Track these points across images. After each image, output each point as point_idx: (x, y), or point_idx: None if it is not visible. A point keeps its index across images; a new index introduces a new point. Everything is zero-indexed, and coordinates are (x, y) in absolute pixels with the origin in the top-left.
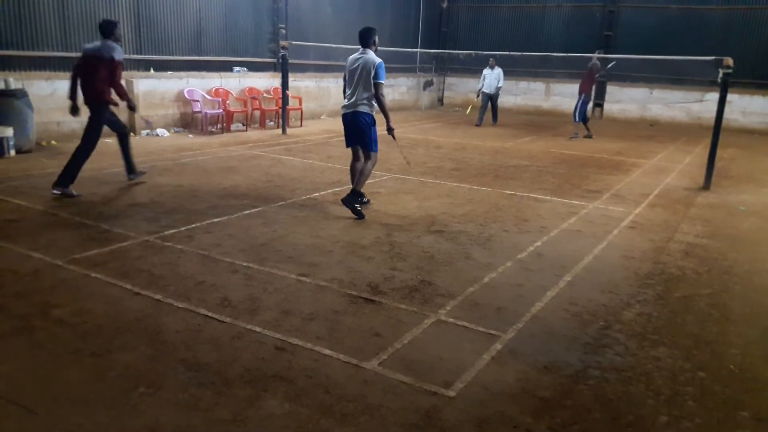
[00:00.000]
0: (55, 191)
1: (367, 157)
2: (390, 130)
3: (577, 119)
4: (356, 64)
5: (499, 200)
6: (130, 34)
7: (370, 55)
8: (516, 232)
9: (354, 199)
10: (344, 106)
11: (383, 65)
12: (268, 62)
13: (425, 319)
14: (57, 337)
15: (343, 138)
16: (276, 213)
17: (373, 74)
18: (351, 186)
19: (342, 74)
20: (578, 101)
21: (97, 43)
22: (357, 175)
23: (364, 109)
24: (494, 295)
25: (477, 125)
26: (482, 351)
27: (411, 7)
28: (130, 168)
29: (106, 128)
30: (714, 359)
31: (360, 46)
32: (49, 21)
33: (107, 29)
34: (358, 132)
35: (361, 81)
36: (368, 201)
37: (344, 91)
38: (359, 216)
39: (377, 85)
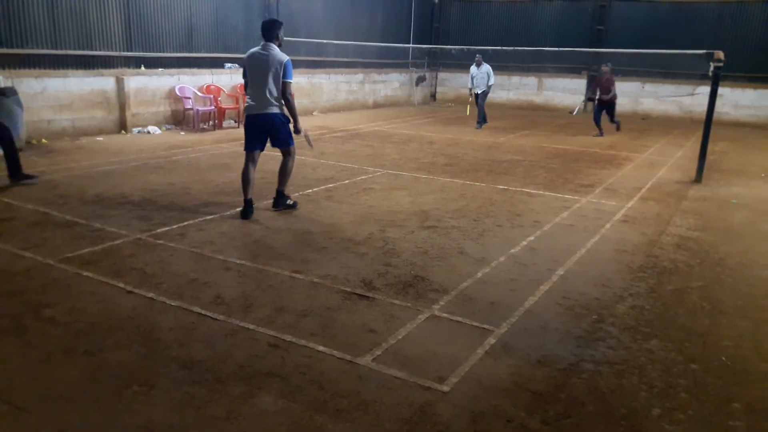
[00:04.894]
0: None
1: (287, 154)
2: (298, 131)
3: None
4: (259, 61)
5: (492, 195)
6: (119, 31)
7: (275, 51)
8: (509, 227)
9: (282, 201)
10: (249, 107)
11: (291, 63)
12: None
13: (419, 314)
14: (49, 336)
15: (336, 134)
16: (268, 210)
17: (282, 73)
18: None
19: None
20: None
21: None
22: (278, 177)
23: (275, 110)
24: (487, 290)
25: (478, 128)
26: (476, 346)
27: (403, 2)
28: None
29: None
30: (706, 351)
31: (263, 39)
32: (39, 18)
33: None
34: (272, 132)
35: (269, 80)
36: (295, 204)
37: (245, 89)
38: (294, 207)
39: (285, 85)
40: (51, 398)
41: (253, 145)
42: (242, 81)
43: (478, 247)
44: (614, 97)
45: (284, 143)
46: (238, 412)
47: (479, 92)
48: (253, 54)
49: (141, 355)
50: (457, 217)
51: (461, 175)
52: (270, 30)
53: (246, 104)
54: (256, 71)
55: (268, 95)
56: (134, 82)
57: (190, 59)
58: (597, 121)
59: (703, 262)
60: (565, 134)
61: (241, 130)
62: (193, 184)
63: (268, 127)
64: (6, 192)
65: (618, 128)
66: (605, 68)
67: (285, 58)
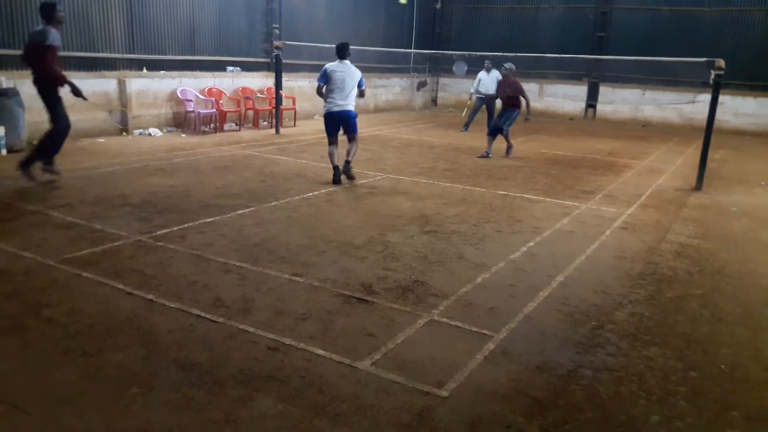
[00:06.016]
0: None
1: (353, 139)
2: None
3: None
4: (344, 73)
5: (493, 201)
6: (122, 34)
7: (353, 67)
8: (509, 233)
9: (349, 168)
10: (336, 105)
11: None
12: (262, 62)
13: (418, 319)
14: (48, 336)
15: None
16: (269, 213)
17: (358, 82)
18: (351, 181)
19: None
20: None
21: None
22: (345, 153)
23: (352, 107)
24: (487, 295)
25: (464, 131)
26: (475, 351)
27: (405, 7)
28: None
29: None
30: (705, 359)
31: (338, 57)
32: (40, 20)
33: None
34: (349, 122)
35: (351, 86)
36: (354, 177)
37: (319, 93)
38: (353, 178)
39: (362, 91)
40: (50, 399)
41: (333, 132)
42: (244, 85)
43: (478, 252)
44: (519, 101)
45: (354, 131)
46: (237, 415)
47: (489, 95)
48: (336, 68)
49: (140, 357)
50: (457, 222)
51: (461, 180)
52: (344, 50)
53: (330, 103)
54: (342, 80)
55: (351, 97)
56: (136, 85)
57: (192, 62)
58: (494, 132)
59: (702, 270)
60: (565, 140)
61: (242, 134)
62: (194, 187)
63: (347, 118)
64: (7, 193)
65: (508, 151)
66: (507, 67)
67: (360, 73)
